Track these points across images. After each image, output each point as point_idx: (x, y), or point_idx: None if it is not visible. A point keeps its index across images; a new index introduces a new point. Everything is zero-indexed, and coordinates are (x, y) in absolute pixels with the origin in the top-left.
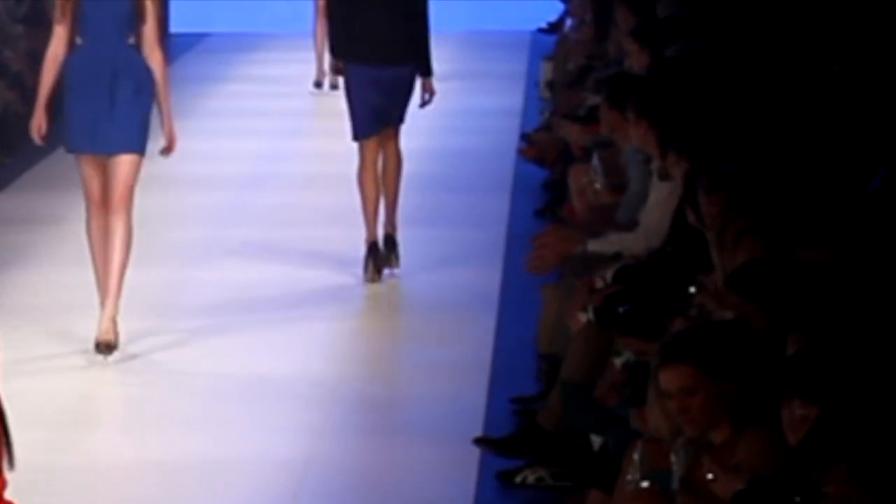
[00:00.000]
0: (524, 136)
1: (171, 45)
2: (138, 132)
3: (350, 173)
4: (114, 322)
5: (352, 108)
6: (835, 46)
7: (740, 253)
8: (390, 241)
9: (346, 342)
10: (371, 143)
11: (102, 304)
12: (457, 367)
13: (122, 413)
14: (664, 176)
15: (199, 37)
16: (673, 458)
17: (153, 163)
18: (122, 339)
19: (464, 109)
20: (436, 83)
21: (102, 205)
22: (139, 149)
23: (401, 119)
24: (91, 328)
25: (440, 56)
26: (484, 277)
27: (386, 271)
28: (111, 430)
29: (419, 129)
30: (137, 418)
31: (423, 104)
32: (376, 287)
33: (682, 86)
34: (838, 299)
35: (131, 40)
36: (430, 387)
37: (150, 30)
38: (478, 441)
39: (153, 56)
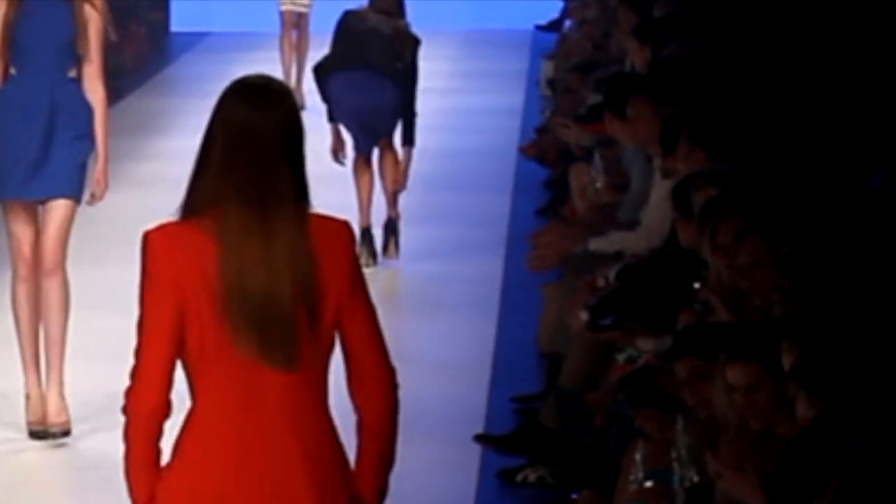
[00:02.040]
0: (535, 131)
1: (171, 44)
2: (74, 175)
3: (348, 171)
4: (64, 399)
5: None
6: (835, 46)
7: (742, 254)
8: (391, 225)
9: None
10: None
11: (46, 383)
12: (458, 365)
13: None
14: (667, 174)
15: (199, 36)
16: (674, 456)
17: (153, 162)
18: (117, 344)
19: (464, 108)
20: (437, 82)
21: (33, 264)
22: (75, 193)
23: (390, 132)
24: (92, 327)
25: (441, 55)
26: (485, 276)
27: (387, 262)
28: (111, 430)
29: (419, 128)
30: None
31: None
32: (376, 286)
33: (683, 85)
34: (838, 299)
35: (72, 73)
36: (430, 385)
37: (92, 62)
38: (479, 439)
39: (95, 91)
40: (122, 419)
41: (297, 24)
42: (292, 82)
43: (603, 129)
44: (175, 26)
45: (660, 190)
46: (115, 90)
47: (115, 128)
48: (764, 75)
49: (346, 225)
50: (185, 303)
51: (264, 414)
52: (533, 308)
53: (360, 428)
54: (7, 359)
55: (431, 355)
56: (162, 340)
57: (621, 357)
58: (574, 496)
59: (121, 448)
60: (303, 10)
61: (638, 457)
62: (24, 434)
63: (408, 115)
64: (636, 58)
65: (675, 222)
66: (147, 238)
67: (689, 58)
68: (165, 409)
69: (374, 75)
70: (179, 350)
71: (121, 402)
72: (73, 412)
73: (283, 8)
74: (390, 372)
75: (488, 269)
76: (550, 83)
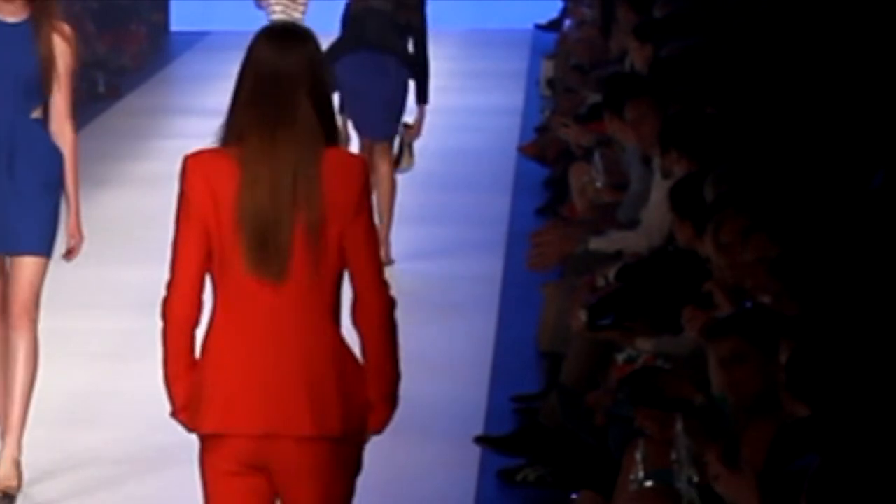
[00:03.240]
0: (535, 130)
1: (170, 43)
2: (45, 229)
3: None
4: (17, 464)
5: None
6: (835, 46)
7: (749, 251)
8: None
9: (346, 340)
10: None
11: (2, 443)
12: (457, 365)
13: (123, 413)
14: (667, 174)
15: (200, 35)
16: (674, 456)
17: (153, 161)
18: (117, 344)
19: (464, 107)
20: (437, 81)
21: (1, 316)
22: (44, 251)
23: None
24: (92, 327)
25: (441, 55)
26: (485, 276)
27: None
28: (111, 430)
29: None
30: (138, 418)
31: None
32: None
33: (682, 84)
34: (837, 299)
35: (36, 114)
36: (430, 385)
37: (60, 101)
38: (478, 440)
39: (63, 133)
40: (121, 417)
41: None
42: None
43: (603, 129)
44: (175, 26)
45: (660, 189)
46: (115, 89)
47: (114, 127)
48: (764, 75)
49: (360, 159)
50: (210, 222)
51: (266, 323)
52: (533, 307)
53: (361, 343)
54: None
55: (431, 355)
56: (191, 256)
57: (621, 357)
58: (574, 496)
59: (123, 446)
60: (298, 16)
61: (638, 457)
62: (30, 433)
63: (421, 73)
64: (636, 57)
65: (673, 222)
66: (184, 162)
67: (688, 57)
68: (195, 318)
69: (374, 54)
70: (207, 265)
71: (121, 401)
72: (74, 412)
73: (276, 17)
74: (383, 288)
75: (488, 269)
76: (550, 83)
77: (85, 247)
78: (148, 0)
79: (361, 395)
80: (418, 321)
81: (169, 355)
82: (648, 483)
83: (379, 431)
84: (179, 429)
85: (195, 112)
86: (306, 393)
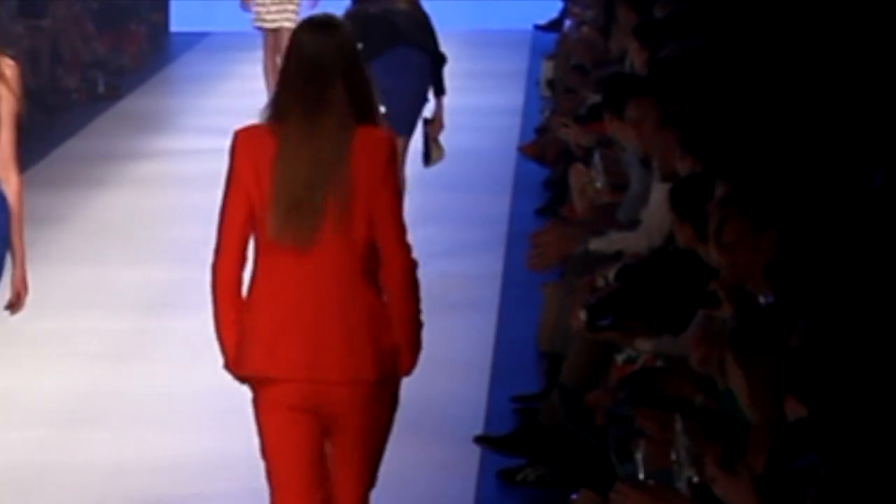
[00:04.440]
0: (535, 130)
1: (170, 44)
2: None
3: None
4: None
5: None
6: (835, 46)
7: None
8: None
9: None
10: None
11: None
12: (457, 365)
13: (123, 413)
14: (666, 177)
15: (200, 36)
16: (674, 456)
17: (153, 161)
18: (117, 344)
19: (464, 108)
20: None
21: None
22: None
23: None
24: (92, 327)
25: None
26: (485, 276)
27: None
28: (111, 430)
29: (419, 128)
30: (138, 418)
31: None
32: None
33: (682, 85)
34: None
35: None
36: (430, 385)
37: (4, 146)
38: (478, 439)
39: (6, 182)
40: (121, 417)
41: (278, 44)
42: None
43: (603, 129)
44: (175, 26)
45: (660, 190)
46: (115, 90)
47: (114, 127)
48: (764, 75)
49: (387, 136)
50: (252, 191)
51: (304, 283)
52: (533, 307)
53: (388, 299)
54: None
55: (431, 355)
56: (235, 222)
57: (620, 357)
58: (573, 496)
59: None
60: (288, 24)
61: (638, 456)
62: (30, 433)
63: (437, 66)
64: (636, 58)
65: (673, 223)
66: (234, 138)
67: (688, 58)
68: (240, 278)
69: (410, 50)
70: (250, 229)
71: (121, 401)
72: (74, 411)
73: (267, 25)
74: (405, 252)
75: (488, 269)
76: (550, 83)
77: (85, 246)
78: (148, 0)
79: (391, 343)
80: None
81: (219, 312)
82: (650, 483)
83: (408, 373)
84: (181, 433)
85: (195, 112)
86: (343, 343)
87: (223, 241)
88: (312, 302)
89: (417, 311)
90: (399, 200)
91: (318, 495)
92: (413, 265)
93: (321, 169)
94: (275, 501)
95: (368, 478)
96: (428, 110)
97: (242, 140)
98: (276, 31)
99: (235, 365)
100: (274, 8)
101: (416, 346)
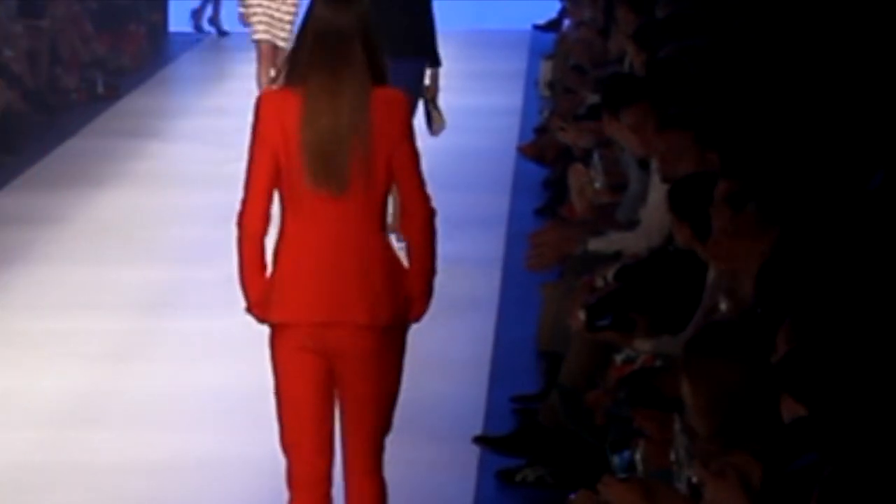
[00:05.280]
0: (534, 131)
1: (169, 44)
2: None
3: None
4: None
5: None
6: (835, 46)
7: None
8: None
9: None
10: None
11: None
12: (457, 365)
13: (123, 413)
14: (666, 178)
15: (199, 36)
16: (673, 457)
17: (153, 161)
18: (117, 344)
19: (463, 108)
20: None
21: None
22: None
23: None
24: (92, 328)
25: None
26: (484, 276)
27: None
28: (111, 430)
29: (419, 127)
30: (138, 418)
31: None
32: None
33: (680, 86)
34: (837, 298)
35: None
36: (429, 385)
37: None
38: (477, 440)
39: None
40: (121, 417)
41: (274, 60)
42: None
43: (601, 129)
44: (174, 26)
45: (659, 190)
46: (114, 90)
47: (114, 127)
48: (763, 75)
49: (402, 95)
50: (279, 148)
51: (329, 231)
52: (532, 307)
53: (408, 245)
54: (9, 357)
55: (430, 355)
56: (261, 177)
57: (619, 357)
58: (573, 496)
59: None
60: (281, 44)
61: (638, 457)
62: (30, 433)
63: (432, 50)
64: (635, 58)
65: (672, 223)
66: (258, 101)
67: (686, 59)
68: (265, 229)
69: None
70: (276, 184)
71: (121, 401)
72: (74, 411)
73: (258, 37)
74: (425, 199)
75: (487, 269)
76: (549, 83)
77: (84, 246)
78: (147, 0)
79: (404, 290)
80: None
81: (243, 261)
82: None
83: (418, 320)
84: (182, 433)
85: (194, 112)
86: (361, 288)
87: (250, 193)
88: (335, 249)
89: (434, 259)
90: (418, 155)
91: (326, 433)
92: (433, 213)
93: (345, 124)
94: (284, 440)
95: (384, 423)
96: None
97: (267, 101)
98: (270, 44)
99: (260, 310)
100: (270, 22)
101: (429, 293)
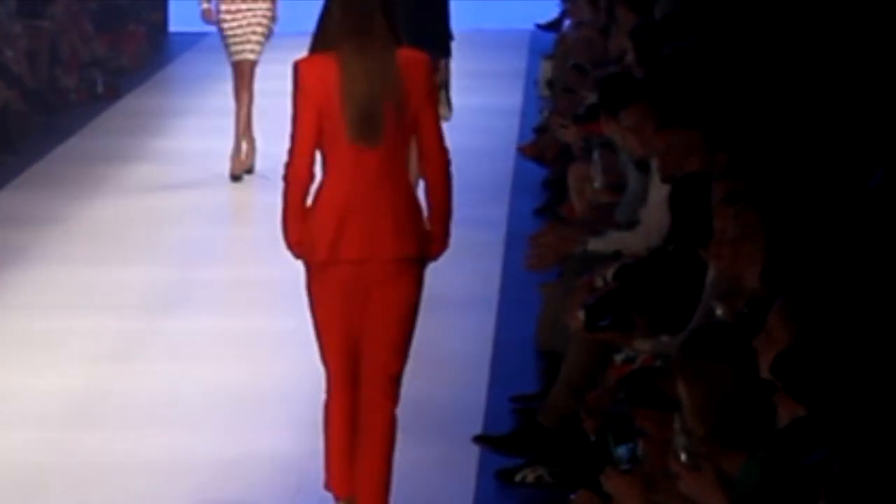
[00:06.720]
0: (533, 130)
1: (169, 44)
2: None
3: None
4: None
5: None
6: (834, 46)
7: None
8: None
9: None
10: None
11: None
12: (456, 365)
13: (123, 413)
14: (666, 178)
15: (199, 36)
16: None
17: (152, 162)
18: (116, 344)
19: (463, 108)
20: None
21: None
22: None
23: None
24: (91, 328)
25: None
26: (484, 276)
27: None
28: (111, 430)
29: None
30: (138, 418)
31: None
32: None
33: (679, 86)
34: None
35: None
36: (429, 384)
37: None
38: (477, 439)
39: None
40: (121, 417)
41: (250, 73)
42: (243, 156)
43: (601, 130)
44: (174, 26)
45: (658, 190)
46: (114, 90)
47: (113, 127)
48: (762, 75)
49: (424, 57)
50: (321, 106)
51: (365, 178)
52: (531, 307)
53: (426, 190)
54: (9, 357)
55: (430, 354)
56: (306, 133)
57: (619, 357)
58: (572, 496)
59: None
60: (252, 56)
61: (638, 456)
62: (30, 433)
63: (444, 43)
64: (633, 58)
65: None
66: (297, 65)
67: (685, 59)
68: (310, 179)
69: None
70: (319, 139)
71: (121, 401)
72: (74, 411)
73: (239, 58)
74: (444, 151)
75: (487, 269)
76: (549, 83)
77: (84, 247)
78: (147, 0)
79: (425, 229)
80: (417, 320)
81: (288, 207)
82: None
83: (436, 258)
84: (182, 433)
85: (194, 112)
86: (393, 228)
87: (297, 147)
88: (371, 193)
89: (451, 201)
90: (438, 112)
91: (353, 348)
92: (449, 162)
93: (377, 83)
94: (323, 356)
95: (401, 353)
96: None
97: (306, 66)
98: (240, 63)
99: (304, 251)
100: (240, 41)
101: (447, 234)
